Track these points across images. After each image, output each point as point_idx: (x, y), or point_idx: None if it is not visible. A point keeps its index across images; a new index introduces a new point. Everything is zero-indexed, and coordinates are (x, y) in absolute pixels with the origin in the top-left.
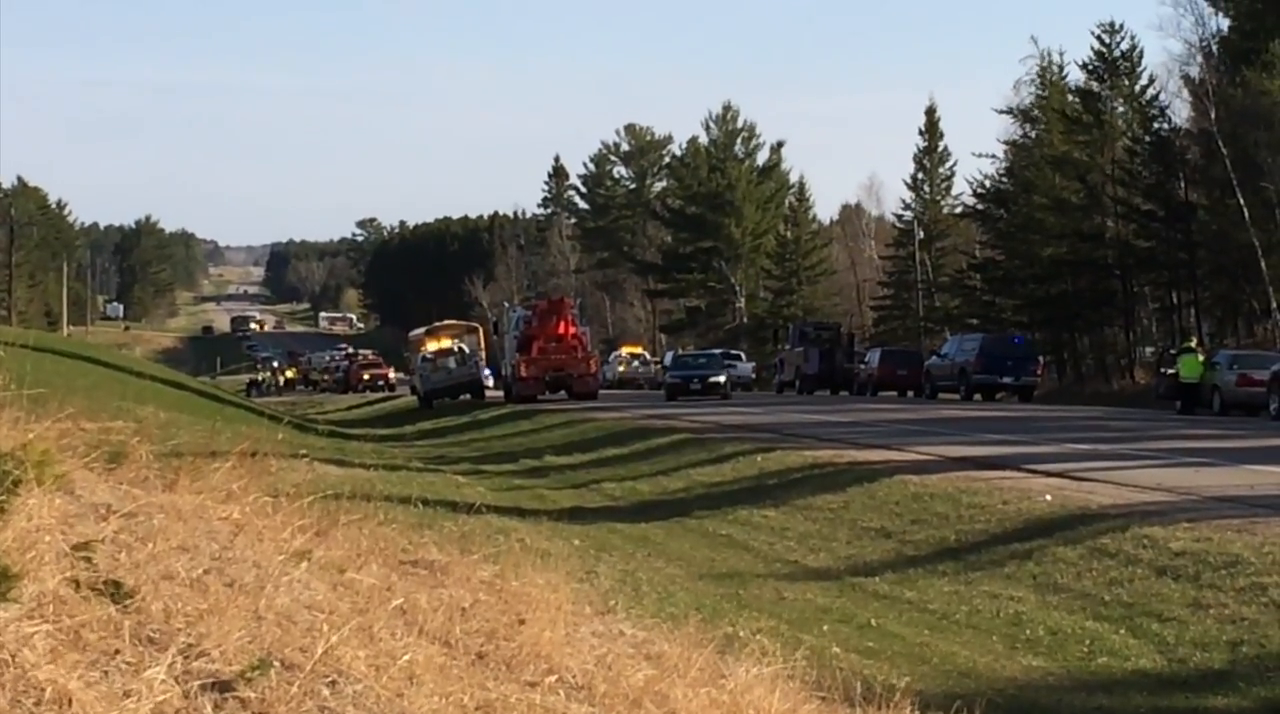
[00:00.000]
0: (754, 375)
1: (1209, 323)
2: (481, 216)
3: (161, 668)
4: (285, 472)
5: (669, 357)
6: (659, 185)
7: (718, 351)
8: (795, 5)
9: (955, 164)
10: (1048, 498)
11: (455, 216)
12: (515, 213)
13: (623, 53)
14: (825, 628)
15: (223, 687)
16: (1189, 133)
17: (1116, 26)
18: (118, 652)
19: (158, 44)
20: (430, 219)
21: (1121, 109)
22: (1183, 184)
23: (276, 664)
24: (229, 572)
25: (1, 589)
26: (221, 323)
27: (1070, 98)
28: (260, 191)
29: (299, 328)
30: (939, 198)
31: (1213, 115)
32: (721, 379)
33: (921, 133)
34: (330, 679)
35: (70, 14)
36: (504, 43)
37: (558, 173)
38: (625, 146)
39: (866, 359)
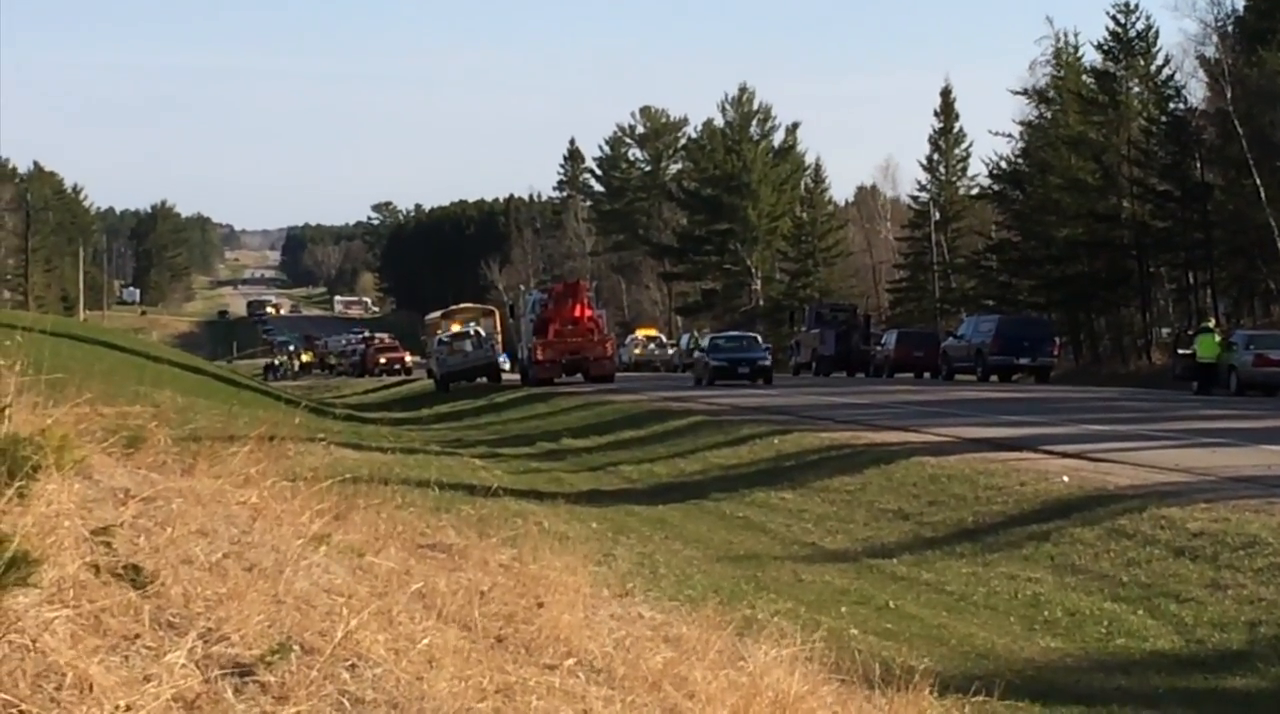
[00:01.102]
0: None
1: (1225, 303)
2: (497, 200)
3: (182, 652)
4: (303, 455)
5: (685, 338)
6: (674, 168)
7: (735, 333)
8: None
9: (971, 145)
10: (1065, 479)
11: (471, 200)
12: (531, 196)
13: (638, 35)
14: (843, 610)
15: (243, 671)
16: (1205, 113)
17: (1132, 7)
18: (138, 636)
19: (174, 28)
20: (446, 202)
21: (1137, 89)
22: (1199, 164)
23: (296, 648)
24: (248, 556)
25: (22, 574)
26: (237, 307)
27: (1086, 78)
28: (276, 175)
29: (315, 311)
30: (955, 179)
31: (1228, 95)
32: (769, 362)
33: (937, 114)
34: (350, 663)
35: None
36: (519, 25)
37: (573, 155)
38: (640, 129)
39: (883, 341)
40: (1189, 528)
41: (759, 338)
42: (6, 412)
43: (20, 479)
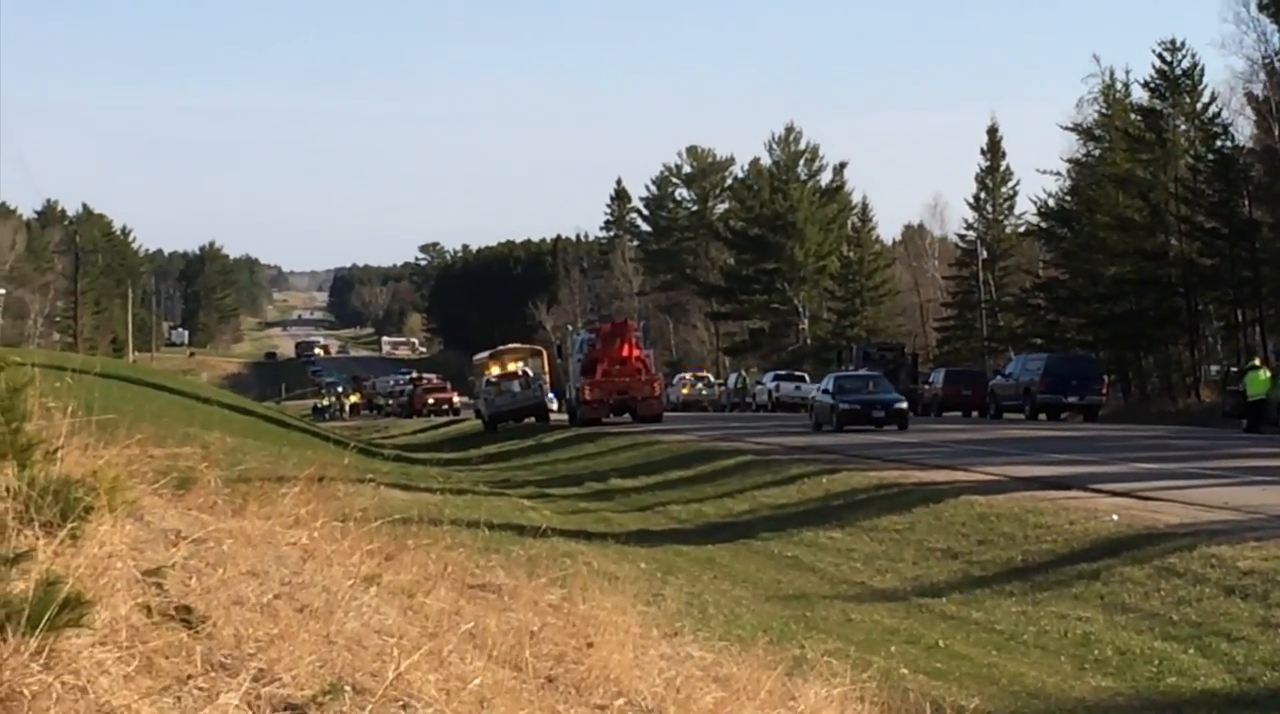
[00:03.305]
0: None
1: (1274, 340)
2: (544, 240)
3: (234, 693)
4: (352, 496)
5: (733, 377)
6: (721, 207)
7: (859, 372)
8: (858, 26)
9: (1018, 183)
10: (1114, 517)
11: (518, 240)
12: (578, 236)
13: (684, 74)
14: (893, 649)
15: (295, 711)
16: (1252, 150)
17: (1178, 44)
18: (190, 677)
19: (222, 70)
20: (493, 243)
21: (1184, 127)
22: (1246, 202)
23: (348, 689)
24: (299, 596)
25: (75, 616)
26: (286, 348)
27: (1133, 116)
28: (323, 217)
29: (363, 352)
30: (1002, 217)
31: (1276, 133)
32: (906, 405)
33: (984, 152)
34: (402, 703)
35: (136, 42)
36: (565, 65)
37: (620, 195)
38: (687, 168)
39: (931, 379)
40: (1239, 566)
41: (806, 377)
42: (59, 453)
43: (73, 520)
